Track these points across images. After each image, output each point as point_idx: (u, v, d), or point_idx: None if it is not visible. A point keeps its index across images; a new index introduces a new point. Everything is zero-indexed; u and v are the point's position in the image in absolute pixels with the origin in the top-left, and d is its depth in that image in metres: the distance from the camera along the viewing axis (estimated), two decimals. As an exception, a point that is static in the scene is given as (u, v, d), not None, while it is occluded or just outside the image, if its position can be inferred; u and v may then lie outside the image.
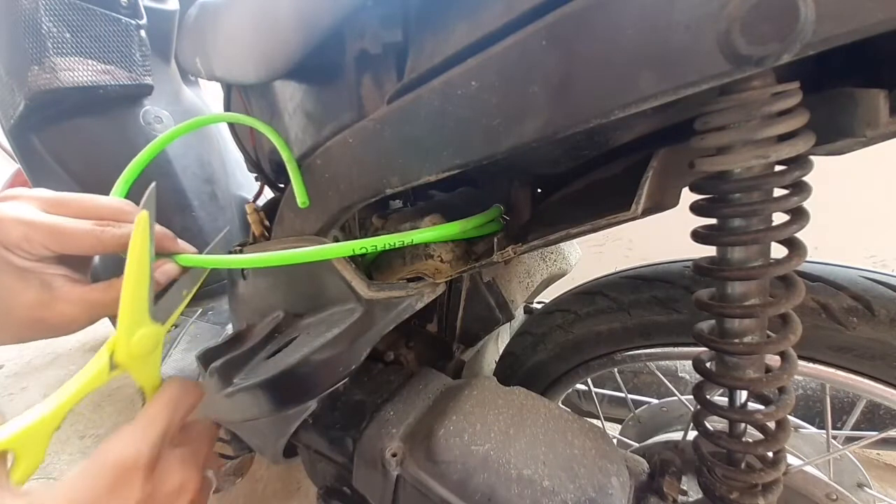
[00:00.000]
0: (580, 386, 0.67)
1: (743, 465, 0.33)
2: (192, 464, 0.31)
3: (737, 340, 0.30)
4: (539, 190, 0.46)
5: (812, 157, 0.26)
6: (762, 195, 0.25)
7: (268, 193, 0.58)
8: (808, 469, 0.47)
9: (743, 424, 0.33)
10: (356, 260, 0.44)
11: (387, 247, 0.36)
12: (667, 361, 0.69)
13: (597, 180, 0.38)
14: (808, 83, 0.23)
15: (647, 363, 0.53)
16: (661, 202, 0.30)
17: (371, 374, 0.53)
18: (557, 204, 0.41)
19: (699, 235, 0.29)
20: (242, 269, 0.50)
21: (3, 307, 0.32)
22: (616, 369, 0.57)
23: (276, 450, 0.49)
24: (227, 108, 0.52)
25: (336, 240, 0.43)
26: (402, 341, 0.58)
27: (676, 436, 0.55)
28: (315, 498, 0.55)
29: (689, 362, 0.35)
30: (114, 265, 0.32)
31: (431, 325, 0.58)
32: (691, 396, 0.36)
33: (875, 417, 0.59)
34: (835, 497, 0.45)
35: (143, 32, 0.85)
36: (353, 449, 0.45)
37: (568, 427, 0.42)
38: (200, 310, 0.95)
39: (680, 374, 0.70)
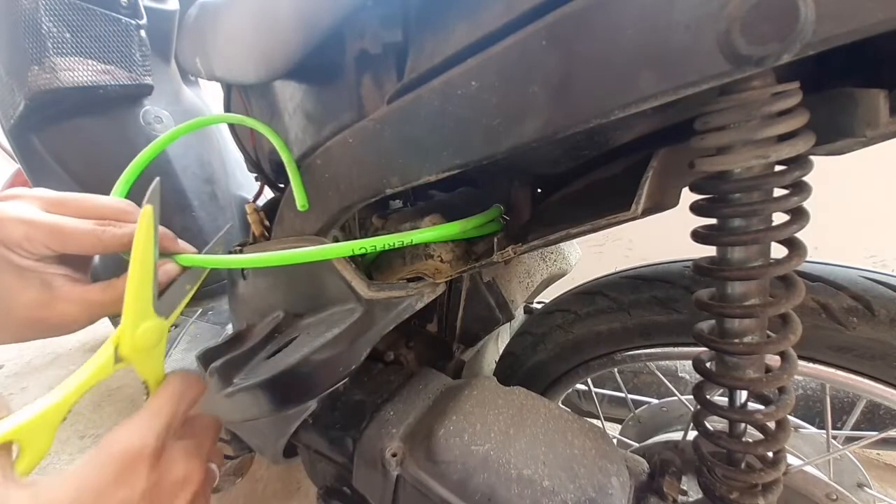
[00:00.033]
0: (580, 386, 0.67)
1: (743, 465, 0.33)
2: (197, 455, 0.32)
3: (737, 340, 0.30)
4: (539, 190, 0.46)
5: (812, 157, 0.26)
6: (762, 195, 0.25)
7: (268, 193, 0.58)
8: (808, 469, 0.47)
9: (743, 424, 0.33)
10: (356, 260, 0.44)
11: (387, 247, 0.36)
12: (667, 361, 0.69)
13: (597, 180, 0.38)
14: (808, 83, 0.23)
15: (647, 363, 0.53)
16: (661, 202, 0.30)
17: (371, 374, 0.53)
18: (557, 204, 0.41)
19: (699, 235, 0.29)
20: (242, 269, 0.50)
21: (4, 306, 0.32)
22: (616, 369, 0.57)
23: (276, 450, 0.49)
24: (227, 108, 0.52)
25: (336, 240, 0.43)
26: (402, 341, 0.58)
27: (676, 436, 0.55)
28: (315, 498, 0.55)
29: (689, 362, 0.35)
30: (114, 265, 0.32)
31: (431, 325, 0.58)
32: (691, 396, 0.36)
33: (875, 417, 0.59)
34: (835, 497, 0.45)
35: (143, 32, 0.85)
36: (353, 449, 0.45)
37: (568, 427, 0.42)
38: (200, 310, 0.95)
39: (680, 374, 0.70)
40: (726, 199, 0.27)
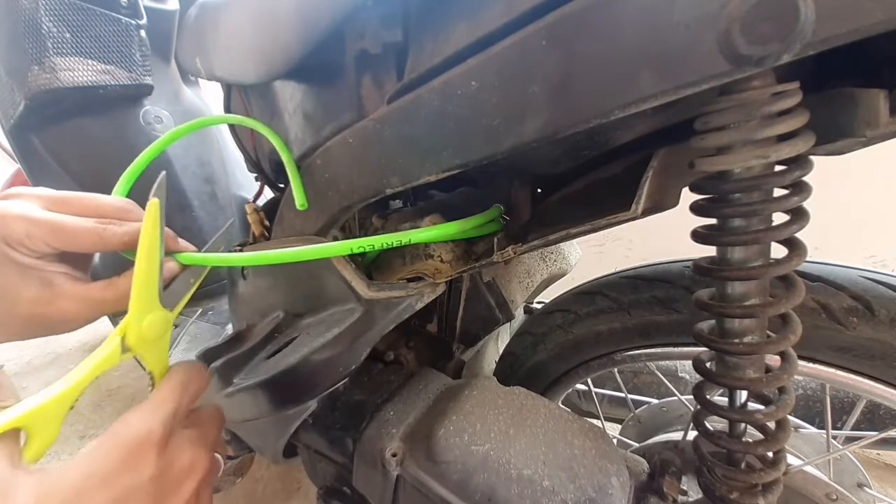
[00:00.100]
0: (580, 386, 0.67)
1: (743, 465, 0.33)
2: (202, 444, 0.32)
3: (737, 340, 0.30)
4: (539, 190, 0.46)
5: (812, 157, 0.26)
6: (762, 195, 0.25)
7: (268, 193, 0.58)
8: (808, 469, 0.47)
9: (743, 424, 0.33)
10: (356, 260, 0.44)
11: (386, 246, 0.36)
12: (667, 361, 0.69)
13: (597, 180, 0.38)
14: (808, 83, 0.23)
15: (647, 363, 0.53)
16: (661, 202, 0.30)
17: (371, 374, 0.53)
18: (557, 204, 0.41)
19: (699, 235, 0.29)
20: (242, 269, 0.50)
21: (4, 304, 0.32)
22: (616, 369, 0.57)
23: (276, 450, 0.49)
24: (227, 108, 0.52)
25: (336, 240, 0.43)
26: (402, 341, 0.58)
27: (676, 436, 0.55)
28: (315, 498, 0.55)
29: (689, 362, 0.35)
30: (114, 264, 0.32)
31: (431, 325, 0.58)
32: (691, 396, 0.36)
33: (875, 417, 0.59)
34: (835, 497, 0.45)
35: (143, 32, 0.85)
36: (353, 449, 0.45)
37: (568, 427, 0.42)
38: (200, 310, 0.95)
39: (680, 374, 0.70)
40: (726, 199, 0.27)
